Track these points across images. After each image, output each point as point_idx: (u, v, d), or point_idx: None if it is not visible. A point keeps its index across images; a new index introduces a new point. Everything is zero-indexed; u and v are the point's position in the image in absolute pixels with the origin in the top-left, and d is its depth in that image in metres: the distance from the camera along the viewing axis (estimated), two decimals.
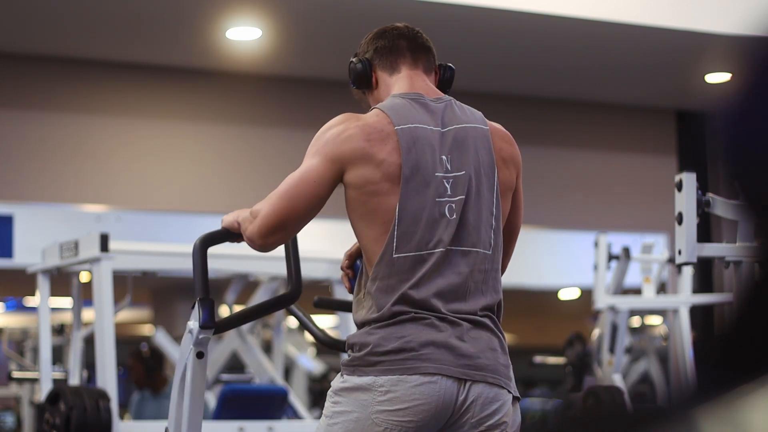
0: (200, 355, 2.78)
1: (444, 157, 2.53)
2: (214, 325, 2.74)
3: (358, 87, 2.71)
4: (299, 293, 2.82)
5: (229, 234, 2.65)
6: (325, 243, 5.77)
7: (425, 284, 2.49)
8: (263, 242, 2.51)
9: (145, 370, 7.33)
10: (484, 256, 2.54)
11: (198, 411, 2.78)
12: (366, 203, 2.49)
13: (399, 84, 2.64)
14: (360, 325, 2.54)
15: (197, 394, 2.79)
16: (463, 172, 2.53)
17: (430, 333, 2.46)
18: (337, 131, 2.51)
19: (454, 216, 2.51)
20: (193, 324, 2.74)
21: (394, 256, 2.48)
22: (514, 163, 2.64)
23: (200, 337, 2.73)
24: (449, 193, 2.51)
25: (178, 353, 2.85)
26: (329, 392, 2.53)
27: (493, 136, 2.61)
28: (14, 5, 6.62)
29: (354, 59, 2.71)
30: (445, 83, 2.74)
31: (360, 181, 2.48)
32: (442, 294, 2.49)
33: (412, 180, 2.49)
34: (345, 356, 2.56)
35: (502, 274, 2.63)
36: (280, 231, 2.49)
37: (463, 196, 2.52)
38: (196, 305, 2.71)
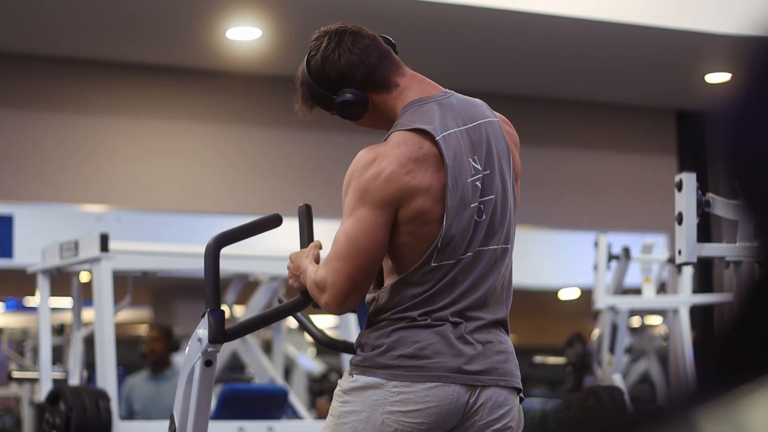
0: (209, 364, 2.74)
1: (470, 159, 2.45)
2: (223, 340, 2.70)
3: (356, 119, 2.57)
4: (309, 300, 2.64)
5: (248, 233, 2.68)
6: (325, 243, 5.76)
7: (450, 290, 2.45)
8: (342, 310, 2.48)
9: (166, 349, 6.86)
10: (504, 251, 2.50)
11: (204, 416, 2.77)
12: (417, 231, 2.41)
13: (405, 95, 2.51)
14: (372, 324, 2.49)
15: (203, 401, 2.78)
16: (489, 171, 2.46)
17: (443, 340, 2.44)
18: (372, 174, 2.39)
19: (484, 217, 2.45)
20: (203, 333, 2.70)
21: (433, 264, 2.42)
22: (517, 145, 2.60)
23: (209, 350, 2.71)
24: (479, 195, 2.44)
25: (184, 356, 2.84)
26: (337, 391, 2.49)
27: (502, 123, 2.58)
28: (14, 5, 6.62)
29: (348, 94, 2.52)
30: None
31: (413, 214, 2.39)
32: (462, 298, 2.46)
33: (455, 194, 2.41)
34: (355, 356, 2.50)
35: None
36: (354, 292, 2.43)
37: (493, 196, 2.46)
38: (207, 316, 2.67)
